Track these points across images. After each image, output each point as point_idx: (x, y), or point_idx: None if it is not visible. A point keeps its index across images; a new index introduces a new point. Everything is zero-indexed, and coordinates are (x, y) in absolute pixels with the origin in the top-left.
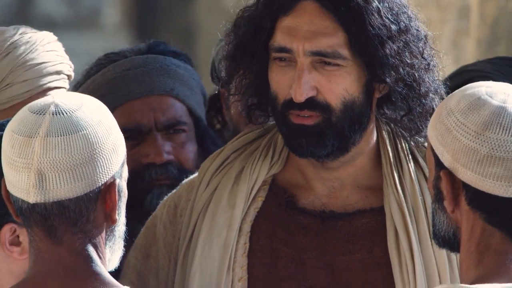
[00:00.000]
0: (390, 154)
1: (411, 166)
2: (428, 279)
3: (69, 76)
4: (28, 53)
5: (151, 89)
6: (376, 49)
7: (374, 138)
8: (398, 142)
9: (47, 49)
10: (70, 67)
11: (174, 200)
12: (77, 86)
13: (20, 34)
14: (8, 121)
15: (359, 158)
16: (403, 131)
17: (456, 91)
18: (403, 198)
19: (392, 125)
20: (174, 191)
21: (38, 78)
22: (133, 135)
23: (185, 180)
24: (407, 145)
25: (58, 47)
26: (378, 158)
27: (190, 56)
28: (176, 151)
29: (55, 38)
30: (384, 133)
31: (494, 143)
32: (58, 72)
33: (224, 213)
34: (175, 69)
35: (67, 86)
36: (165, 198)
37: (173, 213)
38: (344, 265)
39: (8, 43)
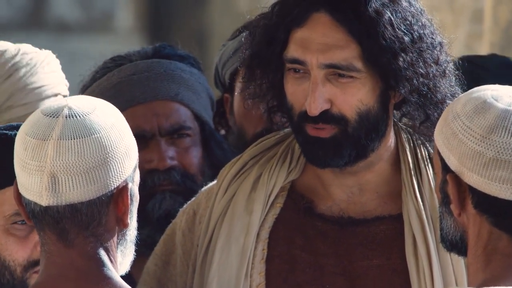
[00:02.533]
0: (410, 161)
1: (430, 174)
2: (446, 287)
3: (65, 96)
4: (29, 76)
5: (155, 94)
6: (389, 62)
7: (393, 143)
8: (418, 149)
9: (46, 71)
10: (66, 86)
11: (193, 207)
12: (84, 89)
13: (22, 55)
14: (18, 124)
15: (378, 164)
16: (422, 138)
17: (462, 94)
18: (422, 206)
19: (411, 131)
20: (193, 198)
21: (37, 101)
22: (136, 140)
23: (205, 188)
24: (426, 152)
25: (57, 66)
26: (397, 164)
27: (203, 60)
28: (180, 156)
29: (54, 57)
30: (404, 140)
31: (500, 147)
32: (56, 94)
33: (241, 219)
34: (180, 74)
35: None
36: (185, 205)
37: (192, 220)
38: (362, 271)
39: (10, 64)
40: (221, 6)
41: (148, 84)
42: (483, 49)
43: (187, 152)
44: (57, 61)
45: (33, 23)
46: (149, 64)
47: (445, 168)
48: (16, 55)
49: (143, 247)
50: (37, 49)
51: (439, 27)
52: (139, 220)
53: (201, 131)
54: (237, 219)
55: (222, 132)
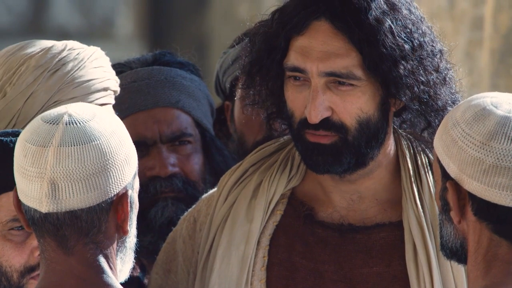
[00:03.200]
0: (410, 168)
1: (431, 180)
2: None
3: (115, 92)
4: (76, 70)
5: (156, 101)
6: (389, 69)
7: (393, 151)
8: (418, 156)
9: (94, 66)
10: (116, 82)
11: (193, 215)
12: None
13: (68, 50)
14: (13, 131)
15: (377, 171)
16: (423, 145)
17: (462, 102)
18: (422, 213)
19: (412, 138)
20: (194, 206)
21: (85, 95)
22: (137, 147)
23: (205, 195)
24: (427, 159)
25: (105, 62)
26: (397, 171)
27: (203, 67)
28: (181, 163)
29: (103, 53)
30: (404, 147)
31: (500, 153)
32: (105, 89)
33: (242, 227)
34: (181, 81)
35: (113, 102)
36: (185, 213)
37: (193, 227)
38: (362, 278)
39: (56, 59)
40: (221, 12)
41: (148, 91)
42: (483, 57)
43: (188, 159)
44: (107, 58)
45: (33, 30)
46: (149, 71)
47: (445, 175)
48: (63, 50)
49: (146, 254)
50: (84, 45)
51: (439, 34)
52: (141, 227)
53: (201, 137)
54: (238, 226)
55: (223, 140)
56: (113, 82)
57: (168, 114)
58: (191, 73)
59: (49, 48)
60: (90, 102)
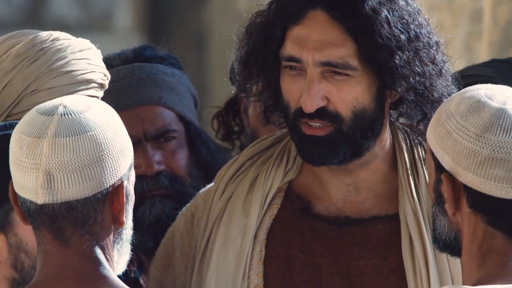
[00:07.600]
0: (407, 161)
1: (427, 173)
2: (442, 286)
3: (101, 85)
4: (56, 60)
5: (138, 100)
6: (385, 60)
7: (389, 143)
8: (415, 149)
9: (78, 57)
10: (104, 76)
11: (191, 210)
12: None
13: (52, 40)
14: (10, 123)
15: (374, 162)
16: (420, 137)
17: (455, 94)
18: (418, 206)
19: (408, 131)
20: (192, 200)
21: (64, 86)
22: None
23: (202, 190)
24: (423, 151)
25: (93, 55)
26: (394, 164)
27: (202, 59)
28: (167, 160)
29: (90, 46)
30: (400, 139)
31: (495, 145)
32: (88, 81)
33: (239, 221)
34: (162, 77)
35: (100, 95)
36: (184, 208)
37: (190, 222)
38: (358, 270)
39: (38, 48)
40: (220, 5)
41: (130, 90)
42: (482, 49)
43: (173, 155)
44: (95, 51)
45: (32, 23)
46: (130, 70)
47: (439, 168)
48: (46, 40)
49: (145, 252)
50: (72, 36)
51: (437, 26)
52: None
53: (186, 131)
54: (235, 220)
55: (236, 129)
56: (99, 75)
57: (151, 112)
58: (172, 67)
59: (33, 38)
60: (70, 93)
